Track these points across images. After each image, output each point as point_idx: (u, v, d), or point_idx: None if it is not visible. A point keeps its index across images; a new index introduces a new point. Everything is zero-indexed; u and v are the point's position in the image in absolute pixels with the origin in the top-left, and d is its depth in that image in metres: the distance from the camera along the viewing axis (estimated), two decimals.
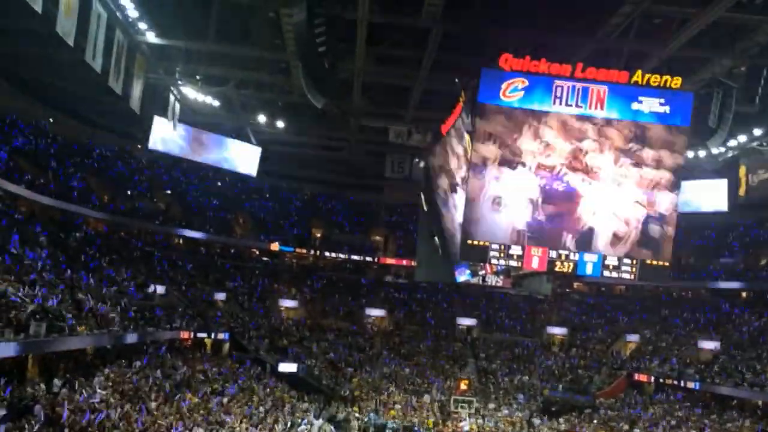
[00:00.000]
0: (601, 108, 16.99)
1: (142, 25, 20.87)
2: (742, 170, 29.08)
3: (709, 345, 36.53)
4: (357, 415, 30.60)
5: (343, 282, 45.69)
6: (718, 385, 31.73)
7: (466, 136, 17.83)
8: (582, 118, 17.08)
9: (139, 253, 37.96)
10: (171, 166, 44.84)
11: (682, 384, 33.35)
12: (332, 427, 27.55)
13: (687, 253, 42.08)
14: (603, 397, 34.54)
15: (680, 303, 42.90)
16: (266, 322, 39.17)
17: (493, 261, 17.40)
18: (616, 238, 17.16)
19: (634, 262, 17.18)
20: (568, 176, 17.19)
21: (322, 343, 39.01)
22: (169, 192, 44.64)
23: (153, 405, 20.69)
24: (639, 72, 16.95)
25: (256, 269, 44.35)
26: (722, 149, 26.61)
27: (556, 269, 17.33)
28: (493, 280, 25.13)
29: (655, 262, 17.18)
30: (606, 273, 17.29)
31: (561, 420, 31.76)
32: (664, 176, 17.09)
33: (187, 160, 35.84)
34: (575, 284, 46.16)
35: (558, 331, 43.46)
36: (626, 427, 29.66)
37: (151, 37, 21.69)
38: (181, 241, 43.06)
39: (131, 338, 25.15)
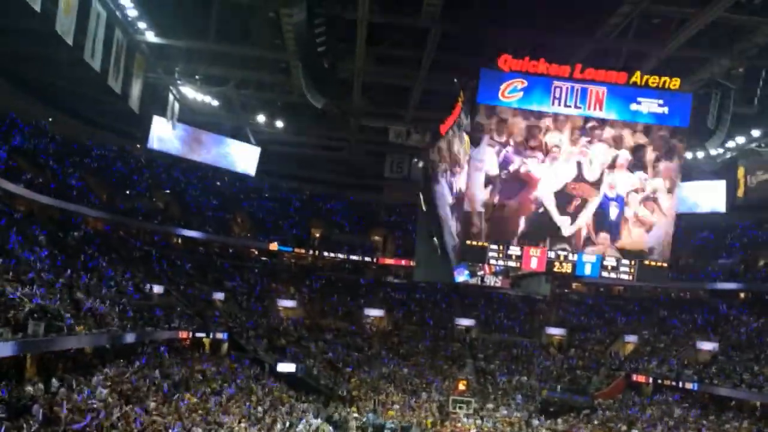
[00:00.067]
0: (600, 109, 16.98)
1: (142, 25, 20.87)
2: (741, 171, 29.14)
3: (707, 346, 36.59)
4: (355, 415, 30.56)
5: (342, 282, 45.71)
6: (716, 386, 31.77)
7: (465, 137, 17.82)
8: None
9: (137, 253, 38.01)
10: (170, 166, 44.88)
11: (680, 385, 33.38)
12: (331, 428, 27.54)
13: (685, 254, 42.16)
14: (601, 398, 34.58)
15: (678, 304, 42.99)
16: (265, 321, 39.17)
17: (492, 261, 17.37)
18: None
19: (633, 262, 17.16)
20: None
21: (320, 343, 39.05)
22: (168, 191, 44.67)
23: (152, 405, 20.67)
24: (638, 73, 16.90)
25: (255, 269, 44.36)
26: (721, 150, 26.64)
27: (555, 270, 17.26)
28: (491, 281, 25.16)
29: (653, 263, 17.18)
30: (604, 274, 17.20)
31: (559, 420, 31.78)
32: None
33: (186, 160, 35.85)
34: (574, 285, 46.27)
35: (556, 331, 43.54)
36: (624, 427, 29.63)
37: (151, 37, 21.69)
38: (179, 241, 43.06)
39: (130, 338, 25.20)
